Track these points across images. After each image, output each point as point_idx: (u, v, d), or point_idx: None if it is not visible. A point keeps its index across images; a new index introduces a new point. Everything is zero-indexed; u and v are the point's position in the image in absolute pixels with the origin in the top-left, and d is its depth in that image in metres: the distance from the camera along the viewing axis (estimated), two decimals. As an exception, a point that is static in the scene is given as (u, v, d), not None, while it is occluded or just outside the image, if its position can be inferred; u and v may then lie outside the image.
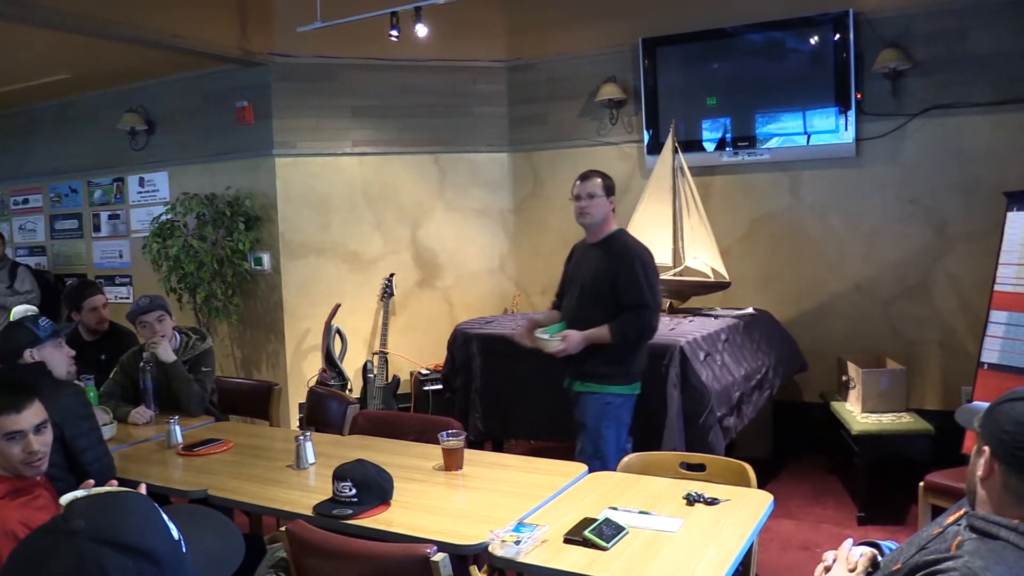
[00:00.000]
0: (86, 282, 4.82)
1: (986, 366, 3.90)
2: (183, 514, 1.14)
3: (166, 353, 3.55)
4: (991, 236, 4.24)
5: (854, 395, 4.34)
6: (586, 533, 2.03)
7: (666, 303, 4.68)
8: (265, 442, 3.19)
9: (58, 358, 2.80)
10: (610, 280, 3.27)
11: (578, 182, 3.40)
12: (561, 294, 3.60)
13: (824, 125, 4.88)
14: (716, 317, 4.43)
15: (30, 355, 2.71)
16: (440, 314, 5.79)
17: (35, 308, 5.10)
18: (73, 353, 2.92)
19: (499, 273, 6.02)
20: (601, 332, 3.23)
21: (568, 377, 3.43)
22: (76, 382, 3.03)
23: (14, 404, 2.09)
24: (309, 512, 2.31)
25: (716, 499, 2.30)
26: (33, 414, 2.11)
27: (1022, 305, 3.82)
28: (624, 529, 2.08)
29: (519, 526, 2.11)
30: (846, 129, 4.78)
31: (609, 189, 3.38)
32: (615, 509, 2.24)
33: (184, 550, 1.06)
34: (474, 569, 2.34)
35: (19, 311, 4.82)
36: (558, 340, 3.25)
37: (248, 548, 2.88)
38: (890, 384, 4.22)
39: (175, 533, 1.07)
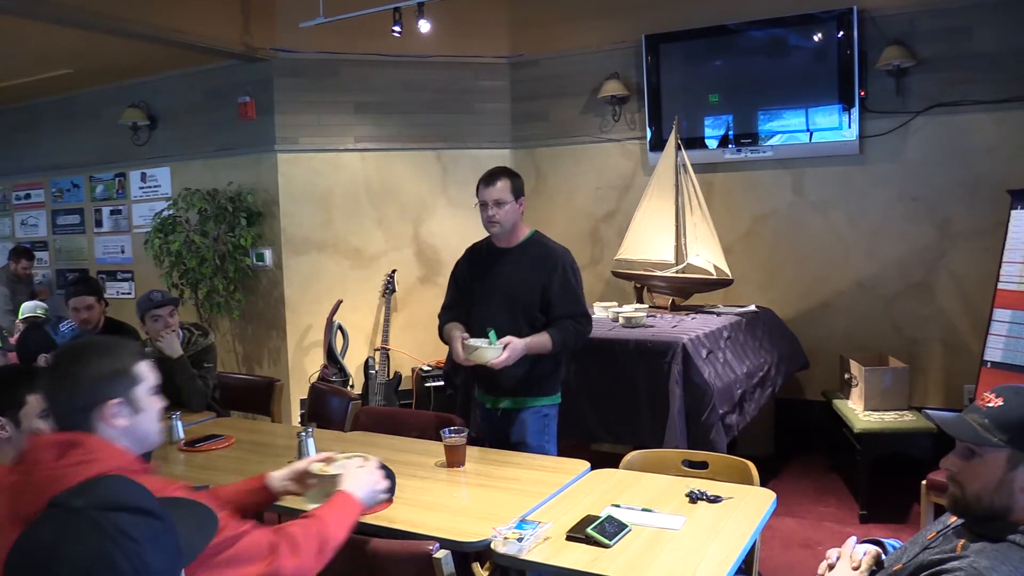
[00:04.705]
0: (78, 279, 4.69)
1: (989, 364, 3.89)
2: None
3: (172, 348, 3.55)
4: (995, 234, 4.23)
5: (856, 393, 4.34)
6: (589, 530, 2.02)
7: (668, 300, 4.67)
8: (267, 438, 3.19)
9: None
10: (541, 288, 2.99)
11: (481, 186, 2.98)
12: (460, 302, 3.20)
13: (827, 122, 4.87)
14: (718, 315, 4.43)
15: (44, 360, 2.69)
16: (442, 311, 5.79)
17: (45, 305, 5.10)
18: None
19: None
20: (541, 341, 2.93)
21: (488, 393, 3.13)
22: None
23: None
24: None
25: (719, 497, 2.29)
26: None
27: (1025, 303, 3.82)
28: (627, 527, 2.08)
29: (522, 523, 2.11)
30: (849, 126, 4.77)
31: (517, 191, 2.99)
32: (618, 507, 2.23)
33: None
34: (476, 566, 2.34)
35: (28, 307, 4.83)
36: (499, 349, 2.84)
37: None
38: (892, 382, 4.22)
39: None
